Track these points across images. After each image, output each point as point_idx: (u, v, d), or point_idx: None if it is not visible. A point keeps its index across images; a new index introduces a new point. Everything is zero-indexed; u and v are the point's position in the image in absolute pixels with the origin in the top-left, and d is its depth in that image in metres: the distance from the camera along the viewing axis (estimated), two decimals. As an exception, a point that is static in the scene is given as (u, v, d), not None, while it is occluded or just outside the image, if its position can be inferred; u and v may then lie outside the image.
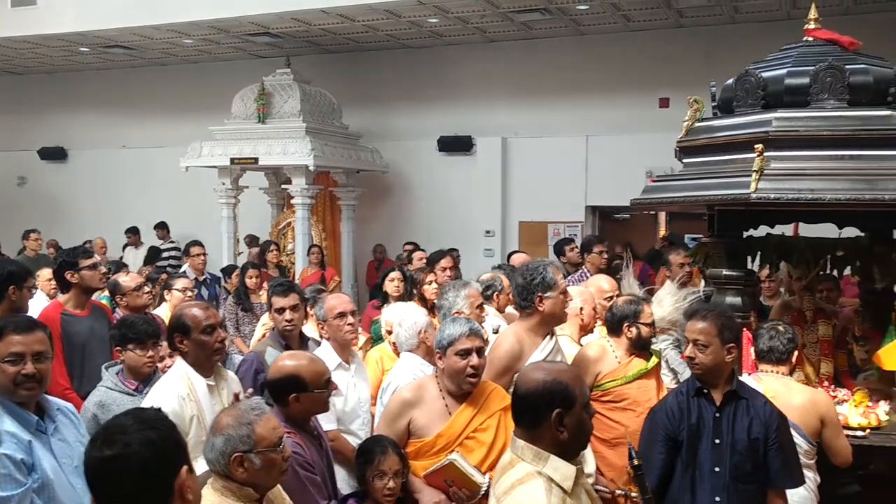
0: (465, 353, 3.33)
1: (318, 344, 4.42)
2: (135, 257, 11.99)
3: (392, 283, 6.05)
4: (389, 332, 4.59)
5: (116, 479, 1.82)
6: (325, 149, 10.49)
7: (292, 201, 10.82)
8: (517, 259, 7.03)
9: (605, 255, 7.12)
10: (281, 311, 4.34)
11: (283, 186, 11.13)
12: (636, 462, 2.75)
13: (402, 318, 4.24)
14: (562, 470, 2.26)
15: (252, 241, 11.73)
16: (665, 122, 9.00)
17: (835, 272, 4.91)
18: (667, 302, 4.91)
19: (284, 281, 5.08)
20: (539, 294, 3.76)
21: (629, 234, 11.62)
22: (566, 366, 2.71)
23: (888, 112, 4.05)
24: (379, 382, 4.31)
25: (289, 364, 3.15)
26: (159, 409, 2.04)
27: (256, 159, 10.50)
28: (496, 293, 5.39)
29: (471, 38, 11.63)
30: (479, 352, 3.39)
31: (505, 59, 11.77)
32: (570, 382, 2.32)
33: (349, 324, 4.08)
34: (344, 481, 3.64)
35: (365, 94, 12.33)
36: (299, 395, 3.07)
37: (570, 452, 2.31)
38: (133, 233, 12.71)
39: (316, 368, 3.17)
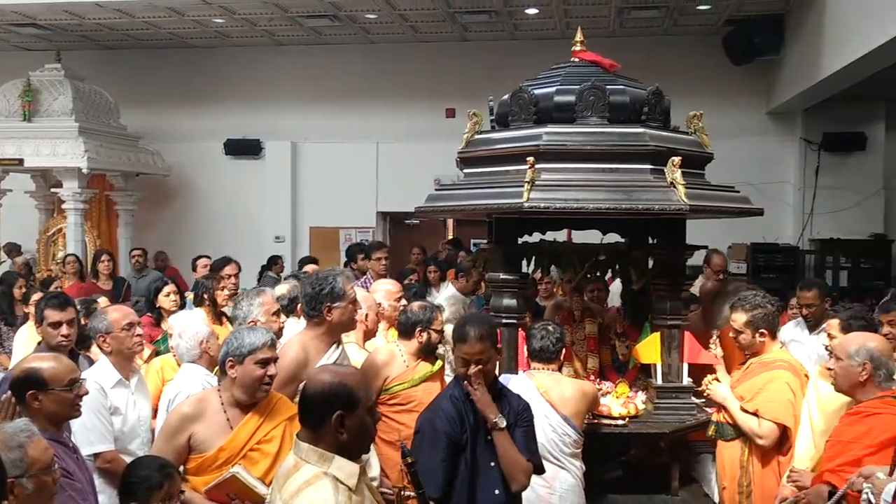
0: (265, 363, 3.32)
1: (89, 360, 4.17)
2: None
3: (168, 298, 5.79)
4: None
5: None
6: (101, 150, 9.95)
7: (63, 206, 10.12)
8: (311, 269, 7.03)
9: (384, 262, 7.31)
10: (56, 325, 4.13)
11: (53, 190, 10.39)
12: (409, 460, 2.85)
13: (183, 328, 4.11)
14: (346, 469, 2.33)
15: (12, 249, 10.78)
16: (452, 131, 9.20)
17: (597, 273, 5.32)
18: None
19: (59, 293, 4.76)
20: (328, 304, 3.76)
21: (421, 238, 11.90)
22: (354, 369, 2.77)
23: (641, 129, 4.45)
24: (159, 393, 4.18)
25: (30, 364, 3.01)
26: None
27: (21, 160, 9.77)
28: (299, 304, 5.30)
29: (259, 40, 11.42)
30: (275, 361, 3.39)
31: (294, 63, 11.67)
32: (355, 385, 2.38)
33: (138, 334, 3.99)
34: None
35: (146, 93, 11.75)
36: (38, 394, 2.91)
37: (350, 454, 2.36)
38: None
39: (59, 366, 3.04)
